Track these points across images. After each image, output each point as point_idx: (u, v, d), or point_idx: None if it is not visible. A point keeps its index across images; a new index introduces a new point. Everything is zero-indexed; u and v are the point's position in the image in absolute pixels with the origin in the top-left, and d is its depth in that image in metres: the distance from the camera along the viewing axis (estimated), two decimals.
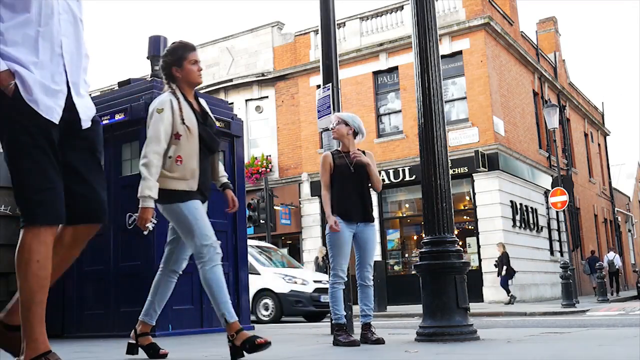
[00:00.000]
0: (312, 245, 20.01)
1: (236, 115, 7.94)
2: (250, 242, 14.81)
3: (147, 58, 7.60)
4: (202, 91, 19.80)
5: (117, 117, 6.83)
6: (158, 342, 5.30)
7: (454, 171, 16.60)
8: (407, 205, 20.09)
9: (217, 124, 7.26)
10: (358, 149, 5.02)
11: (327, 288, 12.70)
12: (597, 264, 18.52)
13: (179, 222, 3.69)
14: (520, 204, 19.61)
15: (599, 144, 32.93)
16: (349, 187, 4.79)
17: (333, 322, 4.82)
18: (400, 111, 19.82)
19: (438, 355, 3.48)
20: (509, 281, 16.68)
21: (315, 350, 4.31)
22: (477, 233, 18.33)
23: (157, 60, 7.55)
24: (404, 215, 20.00)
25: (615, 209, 34.11)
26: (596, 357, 3.21)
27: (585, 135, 30.33)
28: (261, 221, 17.03)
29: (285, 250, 19.64)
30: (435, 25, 4.78)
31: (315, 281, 12.77)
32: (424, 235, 4.69)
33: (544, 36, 27.61)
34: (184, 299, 6.46)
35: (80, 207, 2.63)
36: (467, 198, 18.95)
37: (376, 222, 18.17)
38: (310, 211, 20.37)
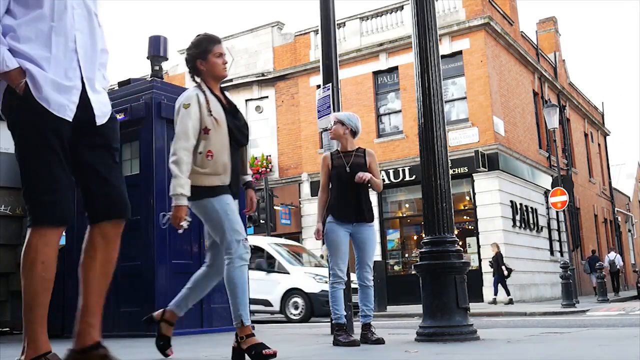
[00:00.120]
0: (312, 246, 19.99)
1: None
2: (276, 240, 14.69)
3: (147, 58, 7.60)
4: None
5: (117, 117, 6.83)
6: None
7: (454, 171, 16.60)
8: (407, 205, 20.08)
9: None
10: (359, 148, 5.04)
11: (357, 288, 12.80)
12: (597, 264, 18.52)
13: (209, 218, 3.59)
14: (520, 204, 19.61)
15: (599, 144, 32.93)
16: (345, 187, 4.81)
17: (333, 322, 4.83)
18: (400, 111, 19.82)
19: (438, 356, 3.48)
20: (506, 281, 16.67)
21: (315, 350, 4.31)
22: (477, 233, 18.33)
23: (157, 60, 7.57)
24: (404, 215, 20.00)
25: (615, 209, 34.11)
26: (596, 357, 3.21)
27: (585, 135, 30.33)
28: (261, 221, 17.04)
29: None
30: (435, 25, 4.78)
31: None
32: (424, 235, 4.69)
33: (544, 36, 27.61)
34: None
35: (101, 205, 2.59)
36: (467, 198, 18.95)
37: (376, 222, 18.23)
38: (310, 211, 20.36)
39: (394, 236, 19.82)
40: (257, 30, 22.78)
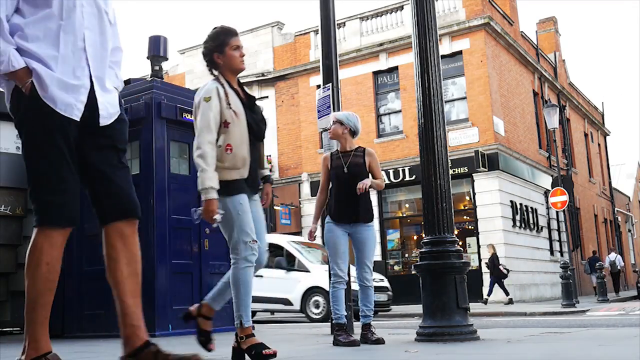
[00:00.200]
0: None
1: None
2: (295, 238, 14.48)
3: (147, 58, 7.60)
4: None
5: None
6: (158, 342, 5.31)
7: (454, 171, 16.60)
8: (407, 205, 20.08)
9: None
10: (359, 147, 5.04)
11: (381, 286, 12.56)
12: (597, 264, 18.53)
13: (223, 216, 3.53)
14: (520, 204, 19.61)
15: (599, 144, 32.93)
16: (343, 188, 4.82)
17: (333, 322, 4.83)
18: (400, 111, 19.82)
19: (438, 356, 3.48)
20: (503, 281, 16.66)
21: (315, 350, 4.31)
22: (477, 233, 18.33)
23: (157, 60, 7.57)
24: (404, 215, 20.00)
25: (615, 209, 34.11)
26: (596, 357, 3.20)
27: (585, 135, 30.33)
28: None
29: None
30: (435, 25, 4.78)
31: None
32: (424, 235, 4.70)
33: (544, 36, 27.61)
34: (184, 299, 6.45)
35: (109, 206, 2.57)
36: (467, 198, 18.95)
37: (376, 222, 18.33)
38: (310, 211, 20.35)
39: (394, 236, 19.82)
40: (257, 30, 22.78)
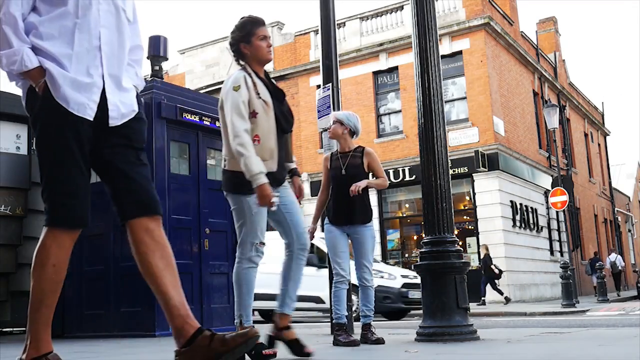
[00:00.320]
0: None
1: None
2: (322, 234, 14.23)
3: (147, 58, 7.60)
4: (202, 91, 19.79)
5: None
6: (158, 342, 5.31)
7: (454, 171, 16.60)
8: (407, 205, 20.08)
9: (217, 123, 7.31)
10: (359, 146, 5.03)
11: (415, 283, 12.15)
12: (597, 264, 18.54)
13: (236, 210, 3.52)
14: (520, 204, 19.61)
15: (599, 144, 32.93)
16: (340, 190, 4.81)
17: (333, 321, 4.83)
18: (400, 111, 19.82)
19: (438, 356, 3.48)
20: (496, 282, 16.65)
21: (316, 350, 4.31)
22: (477, 233, 18.33)
23: (157, 60, 7.57)
24: (404, 215, 20.00)
25: (615, 209, 34.11)
26: (596, 357, 3.20)
27: (585, 135, 30.33)
28: None
29: None
30: (435, 25, 4.78)
31: (402, 276, 12.10)
32: (424, 235, 4.70)
33: (544, 36, 27.61)
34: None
35: (130, 203, 2.53)
36: (467, 198, 18.95)
37: (376, 222, 18.37)
38: (310, 211, 20.20)
39: (394, 236, 19.82)
40: None
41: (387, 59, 20.03)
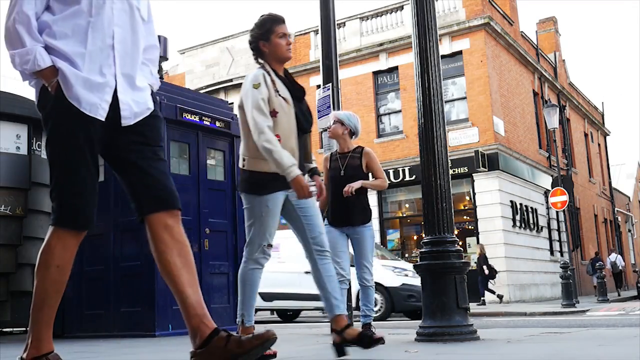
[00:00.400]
0: None
1: (236, 115, 7.92)
2: None
3: None
4: (202, 91, 19.79)
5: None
6: (158, 342, 5.32)
7: (454, 171, 16.60)
8: (407, 205, 20.08)
9: (217, 124, 7.32)
10: (358, 146, 5.03)
11: None
12: (597, 264, 18.54)
13: (248, 210, 3.48)
14: (520, 204, 19.61)
15: (599, 144, 32.93)
16: (338, 190, 4.80)
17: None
18: (400, 111, 19.82)
19: (438, 356, 3.48)
20: (491, 281, 16.64)
21: (315, 350, 4.31)
22: (477, 233, 18.33)
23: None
24: (404, 215, 19.99)
25: (615, 209, 34.11)
26: (596, 357, 3.20)
27: (585, 135, 30.33)
28: None
29: None
30: (435, 25, 4.78)
31: None
32: (424, 235, 4.70)
33: (544, 36, 27.61)
34: None
35: (147, 198, 2.50)
36: (467, 198, 18.95)
37: (376, 222, 18.37)
38: None
39: (394, 236, 19.82)
40: None
41: (387, 59, 20.03)
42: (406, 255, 19.43)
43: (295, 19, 73.70)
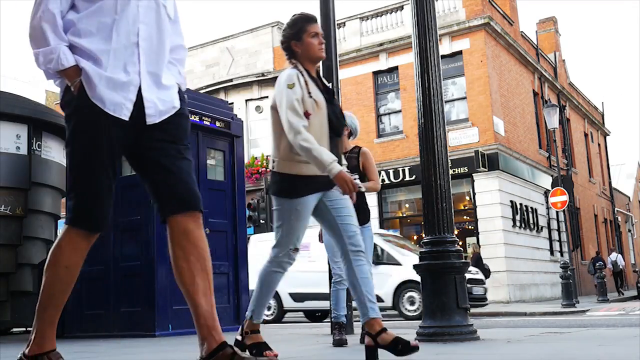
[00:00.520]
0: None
1: (236, 115, 7.94)
2: (377, 230, 13.46)
3: None
4: (202, 91, 19.80)
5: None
6: (158, 342, 5.32)
7: (454, 171, 16.60)
8: (407, 205, 20.09)
9: (217, 124, 7.32)
10: (355, 146, 5.02)
11: (478, 279, 12.09)
12: (597, 264, 18.54)
13: (278, 212, 3.42)
14: (520, 204, 19.61)
15: (599, 144, 32.93)
16: None
17: (332, 321, 4.85)
18: (400, 111, 19.82)
19: (438, 356, 3.48)
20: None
21: (315, 350, 4.31)
22: (477, 233, 18.33)
23: None
24: (404, 215, 19.99)
25: (615, 209, 34.11)
26: (596, 357, 3.20)
27: (585, 135, 30.33)
28: (261, 221, 17.03)
29: None
30: (435, 25, 4.78)
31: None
32: (424, 235, 4.70)
33: (544, 36, 27.61)
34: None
35: (169, 198, 2.47)
36: (467, 198, 18.95)
37: (376, 222, 18.36)
38: None
39: None
40: (257, 30, 22.78)
41: (387, 59, 20.03)
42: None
43: None
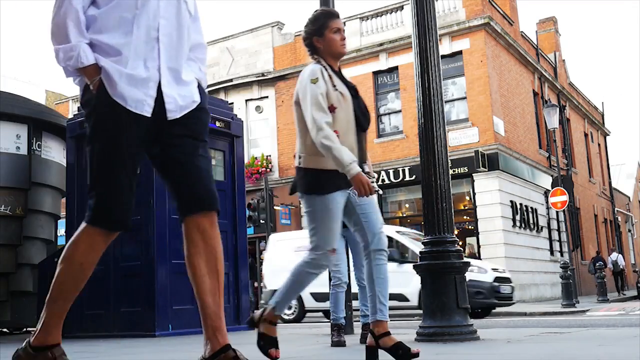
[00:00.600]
0: None
1: (236, 115, 7.94)
2: (398, 228, 13.42)
3: None
4: None
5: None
6: (158, 342, 5.31)
7: (454, 171, 16.60)
8: (407, 205, 20.09)
9: (217, 124, 7.32)
10: None
11: (505, 277, 11.89)
12: (597, 264, 18.55)
13: (310, 214, 3.33)
14: (520, 204, 19.61)
15: (599, 144, 32.93)
16: None
17: (332, 322, 4.85)
18: (400, 111, 19.82)
19: (438, 356, 3.48)
20: None
21: (315, 350, 4.31)
22: (477, 233, 18.32)
23: None
24: (404, 215, 19.99)
25: (615, 209, 34.11)
26: (596, 357, 3.20)
27: (585, 135, 30.33)
28: (261, 221, 17.03)
29: None
30: (435, 25, 4.78)
31: (493, 269, 11.58)
32: (424, 235, 4.70)
33: (544, 36, 27.61)
34: (184, 299, 6.45)
35: (187, 198, 2.47)
36: (467, 198, 18.95)
37: None
38: None
39: None
40: (257, 30, 22.78)
41: (387, 59, 20.04)
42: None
43: (296, 19, 73.72)
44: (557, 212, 20.91)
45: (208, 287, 2.45)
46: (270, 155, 21.72)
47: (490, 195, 18.16)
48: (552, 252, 21.90)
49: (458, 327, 4.32)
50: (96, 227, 2.41)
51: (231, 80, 22.42)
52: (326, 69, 3.34)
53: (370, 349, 3.29)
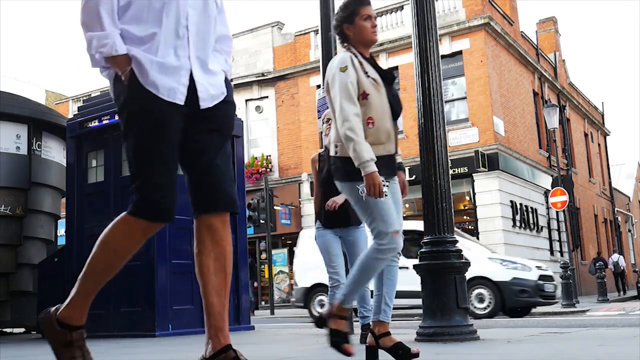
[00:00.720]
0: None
1: (236, 115, 7.93)
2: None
3: None
4: None
5: (117, 117, 6.83)
6: (158, 342, 5.32)
7: (454, 171, 16.60)
8: (407, 205, 20.08)
9: None
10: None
11: (549, 275, 11.59)
12: (597, 264, 18.55)
13: (357, 203, 3.18)
14: (520, 204, 19.61)
15: (599, 144, 32.93)
16: (330, 192, 4.74)
17: None
18: None
19: (438, 356, 3.48)
20: None
21: (315, 350, 4.31)
22: (477, 233, 18.32)
23: None
24: (404, 215, 19.94)
25: (615, 209, 34.11)
26: (596, 357, 3.20)
27: (585, 135, 30.33)
28: (261, 221, 17.03)
29: (286, 250, 19.50)
30: (435, 25, 4.78)
31: (537, 267, 11.34)
32: (424, 236, 4.70)
33: (544, 36, 27.61)
34: (184, 299, 6.46)
35: (203, 197, 2.44)
36: (467, 198, 18.95)
37: None
38: (310, 211, 20.36)
39: None
40: (257, 30, 22.77)
41: (387, 59, 20.03)
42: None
43: (295, 19, 73.74)
44: (557, 212, 20.91)
45: (214, 287, 2.46)
46: (270, 155, 21.71)
47: (490, 195, 18.16)
48: (552, 252, 21.90)
49: (458, 327, 4.32)
50: (138, 218, 2.38)
51: (231, 80, 22.38)
52: (356, 56, 3.28)
53: (370, 349, 3.28)
